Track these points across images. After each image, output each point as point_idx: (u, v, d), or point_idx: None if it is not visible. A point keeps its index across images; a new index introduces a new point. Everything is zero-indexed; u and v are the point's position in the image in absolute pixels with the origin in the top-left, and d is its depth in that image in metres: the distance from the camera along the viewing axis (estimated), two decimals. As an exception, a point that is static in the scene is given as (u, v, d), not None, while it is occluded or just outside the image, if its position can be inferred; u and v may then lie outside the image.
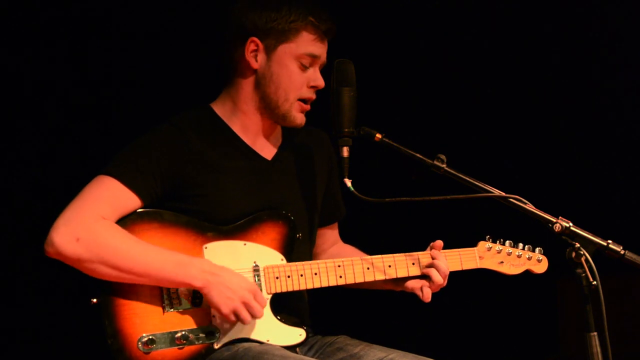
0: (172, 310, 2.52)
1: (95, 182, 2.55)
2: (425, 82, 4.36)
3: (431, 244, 2.77)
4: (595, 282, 2.27)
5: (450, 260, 2.77)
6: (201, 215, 2.60)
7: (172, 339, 2.51)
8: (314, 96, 2.73)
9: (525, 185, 2.81)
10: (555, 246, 2.42)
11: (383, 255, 2.72)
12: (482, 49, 4.39)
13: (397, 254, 2.73)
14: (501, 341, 4.50)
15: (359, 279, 2.69)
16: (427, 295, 2.71)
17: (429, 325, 4.38)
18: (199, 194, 2.61)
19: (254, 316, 2.52)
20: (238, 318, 2.51)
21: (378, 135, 2.62)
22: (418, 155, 2.58)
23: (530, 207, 2.45)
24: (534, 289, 4.49)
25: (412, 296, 2.77)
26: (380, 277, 2.70)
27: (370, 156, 3.23)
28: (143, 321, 2.49)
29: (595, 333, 2.27)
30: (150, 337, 2.49)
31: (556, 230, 2.37)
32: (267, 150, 2.78)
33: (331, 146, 2.93)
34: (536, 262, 2.88)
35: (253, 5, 2.69)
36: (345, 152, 2.61)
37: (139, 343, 2.48)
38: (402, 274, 2.72)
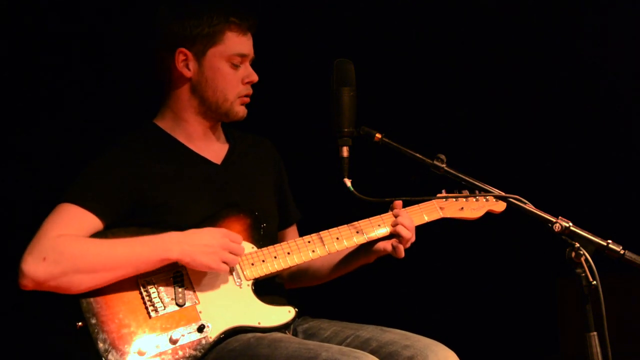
0: (158, 314, 2.54)
1: (55, 211, 2.57)
2: (425, 82, 4.36)
3: (391, 205, 2.83)
4: (595, 282, 2.27)
5: (414, 215, 2.84)
6: (164, 225, 2.61)
7: (165, 341, 2.52)
8: (251, 91, 2.80)
9: (525, 185, 2.81)
10: (555, 246, 2.42)
11: (348, 224, 2.79)
12: (482, 48, 4.39)
13: (361, 220, 2.80)
14: (501, 341, 4.50)
15: (332, 249, 2.74)
16: (399, 251, 2.77)
17: (429, 326, 4.38)
18: (159, 205, 2.65)
19: (238, 254, 2.58)
20: (228, 264, 2.57)
21: (378, 135, 2.63)
22: (418, 155, 2.58)
23: (530, 207, 2.45)
24: (534, 289, 4.50)
25: (412, 297, 2.78)
26: (351, 243, 2.76)
27: (370, 156, 3.23)
28: (132, 331, 2.50)
29: (595, 333, 2.27)
30: (144, 343, 2.50)
31: (556, 230, 2.37)
32: (215, 155, 2.83)
33: (277, 152, 3.01)
34: (494, 202, 2.94)
35: (173, 15, 2.73)
36: (345, 152, 2.61)
37: (134, 352, 2.49)
38: (370, 235, 2.78)
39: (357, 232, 2.77)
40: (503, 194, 2.49)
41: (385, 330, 2.69)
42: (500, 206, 2.95)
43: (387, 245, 2.79)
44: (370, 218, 2.81)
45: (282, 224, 3.01)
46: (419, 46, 4.34)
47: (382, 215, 2.82)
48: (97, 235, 2.56)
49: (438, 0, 4.31)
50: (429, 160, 2.56)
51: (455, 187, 2.88)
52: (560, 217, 2.39)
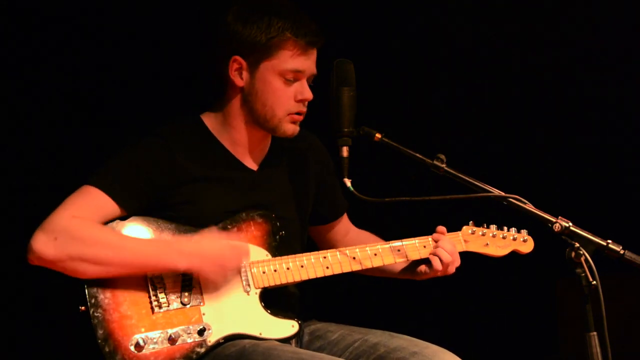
0: (161, 310, 2.54)
1: (79, 191, 2.56)
2: (425, 82, 4.36)
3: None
4: (594, 282, 2.28)
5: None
6: (183, 221, 2.62)
7: (164, 339, 2.52)
8: (304, 109, 2.72)
9: (525, 185, 2.81)
10: (555, 246, 2.42)
11: (369, 245, 2.76)
12: (482, 49, 4.39)
13: (383, 242, 2.78)
14: (501, 341, 4.50)
15: (346, 269, 2.72)
16: (444, 274, 2.79)
17: (428, 326, 4.39)
18: (184, 202, 2.64)
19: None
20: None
21: (378, 135, 2.63)
22: (418, 155, 2.58)
23: (530, 207, 2.45)
24: (534, 289, 4.50)
25: (410, 297, 2.79)
26: (367, 265, 2.74)
27: (370, 156, 3.23)
28: (134, 323, 2.50)
29: (595, 333, 2.27)
30: (143, 337, 2.50)
31: (556, 230, 2.37)
32: (253, 161, 2.79)
33: (322, 147, 2.95)
34: (521, 242, 2.89)
35: (234, 23, 2.68)
36: (345, 152, 2.61)
37: (131, 345, 2.49)
38: (388, 261, 2.76)
39: (375, 255, 2.74)
40: (503, 194, 2.49)
41: (394, 336, 2.67)
42: (527, 247, 2.89)
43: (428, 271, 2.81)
44: (392, 242, 2.78)
45: (329, 217, 3.00)
46: (419, 46, 4.34)
47: (403, 240, 2.79)
48: (113, 223, 2.56)
49: (438, 1, 4.31)
50: (429, 160, 2.56)
51: (480, 219, 2.88)
52: (560, 217, 2.39)
